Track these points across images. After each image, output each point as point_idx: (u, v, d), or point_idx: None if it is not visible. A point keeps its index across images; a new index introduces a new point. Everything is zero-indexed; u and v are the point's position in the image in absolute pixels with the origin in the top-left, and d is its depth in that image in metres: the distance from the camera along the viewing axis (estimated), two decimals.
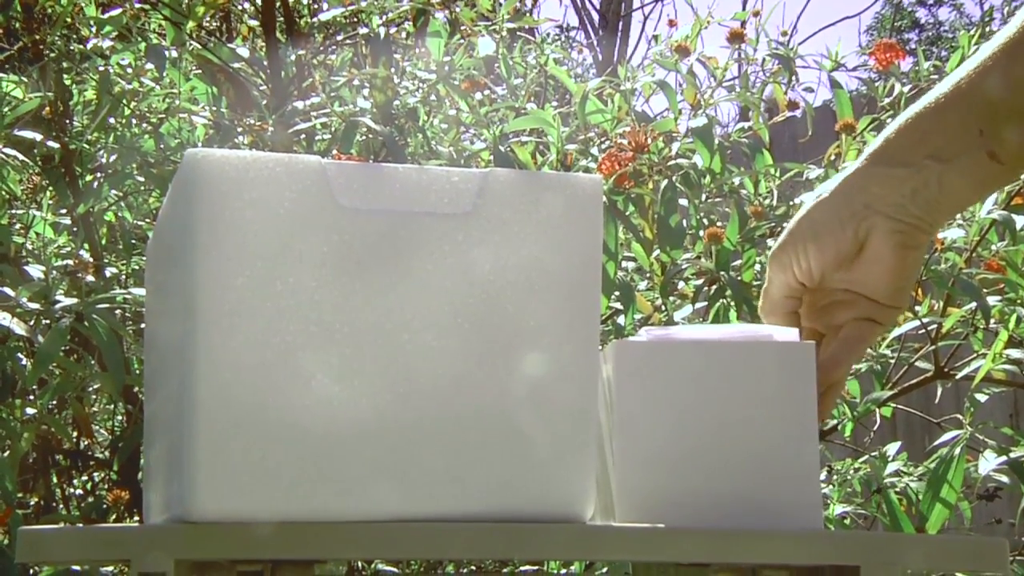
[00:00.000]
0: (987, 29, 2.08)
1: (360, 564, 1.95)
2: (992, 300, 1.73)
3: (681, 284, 1.93)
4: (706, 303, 1.80)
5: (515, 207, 0.83)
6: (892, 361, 1.88)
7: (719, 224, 1.89)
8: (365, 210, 0.80)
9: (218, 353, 0.77)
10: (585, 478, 0.83)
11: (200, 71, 2.12)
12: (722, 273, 1.75)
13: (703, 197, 1.96)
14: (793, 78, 2.01)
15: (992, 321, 1.73)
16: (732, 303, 1.75)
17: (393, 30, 2.18)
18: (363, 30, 2.16)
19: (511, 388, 0.82)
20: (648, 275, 1.93)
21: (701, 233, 1.85)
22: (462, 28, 2.17)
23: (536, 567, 1.69)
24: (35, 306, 1.65)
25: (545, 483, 0.83)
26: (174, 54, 2.03)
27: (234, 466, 0.77)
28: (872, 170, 0.89)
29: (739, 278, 1.78)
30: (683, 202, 1.84)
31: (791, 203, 1.96)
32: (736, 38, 1.98)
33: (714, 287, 1.77)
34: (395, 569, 1.92)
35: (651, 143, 1.76)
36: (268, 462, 0.78)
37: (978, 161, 0.86)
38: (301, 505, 0.78)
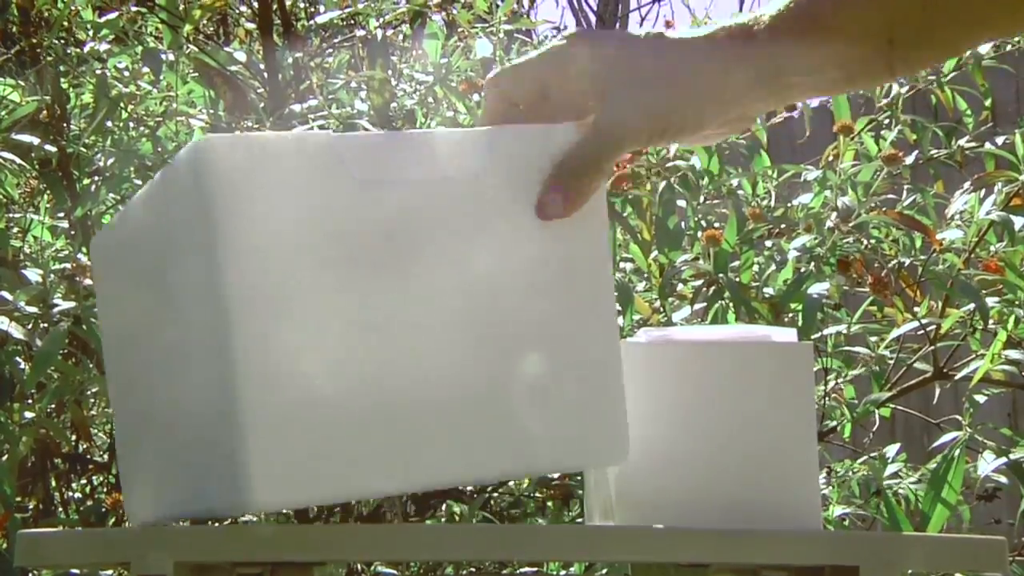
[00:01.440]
0: None
1: (360, 566, 1.95)
2: (990, 301, 1.73)
3: (679, 285, 1.93)
4: (704, 304, 1.79)
5: (526, 164, 0.84)
6: (891, 362, 1.88)
7: (717, 225, 1.89)
8: (382, 182, 0.80)
9: (256, 343, 0.76)
10: (618, 421, 0.85)
11: (197, 74, 2.12)
12: (720, 275, 1.75)
13: (701, 198, 1.96)
14: None
15: (991, 322, 1.73)
16: (730, 304, 1.75)
17: (390, 32, 2.17)
18: (360, 32, 2.16)
19: (540, 347, 0.84)
20: (646, 276, 1.93)
21: (699, 234, 1.85)
22: (459, 30, 2.17)
23: (536, 568, 1.69)
24: (33, 310, 1.65)
25: (580, 433, 0.84)
26: (171, 57, 2.03)
27: (285, 454, 0.76)
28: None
29: (737, 279, 1.78)
30: (681, 203, 1.84)
31: (789, 204, 1.96)
32: None
33: (712, 288, 1.77)
34: (394, 571, 1.92)
35: None
36: (315, 447, 0.77)
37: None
38: (350, 484, 0.79)
